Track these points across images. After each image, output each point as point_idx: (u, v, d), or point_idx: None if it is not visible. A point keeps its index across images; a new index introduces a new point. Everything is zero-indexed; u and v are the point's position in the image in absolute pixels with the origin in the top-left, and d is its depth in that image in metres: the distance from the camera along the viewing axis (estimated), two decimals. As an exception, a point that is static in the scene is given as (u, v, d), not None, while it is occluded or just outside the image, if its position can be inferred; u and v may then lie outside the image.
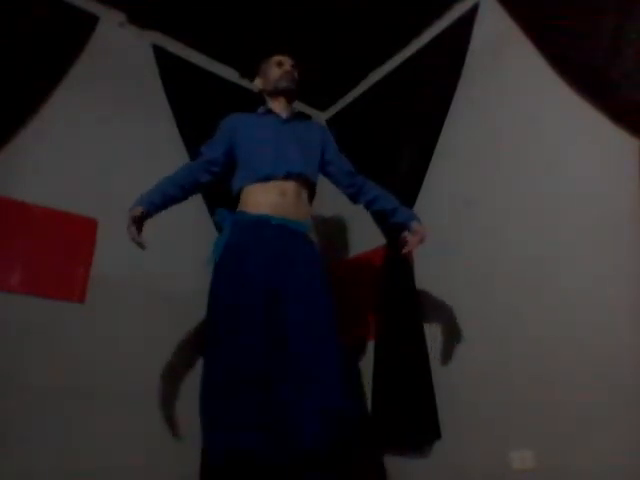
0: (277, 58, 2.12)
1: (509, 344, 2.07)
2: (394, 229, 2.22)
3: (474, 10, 2.58)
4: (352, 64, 3.10)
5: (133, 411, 2.16)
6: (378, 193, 2.08)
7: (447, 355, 2.28)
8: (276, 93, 2.09)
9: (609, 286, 1.83)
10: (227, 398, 1.56)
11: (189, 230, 2.63)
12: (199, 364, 2.36)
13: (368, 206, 2.10)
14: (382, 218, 2.12)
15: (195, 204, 2.66)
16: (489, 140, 2.39)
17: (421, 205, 2.57)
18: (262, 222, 1.83)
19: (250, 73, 3.06)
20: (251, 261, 1.76)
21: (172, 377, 2.32)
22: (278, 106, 2.10)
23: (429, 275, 2.46)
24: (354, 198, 2.13)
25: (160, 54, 2.81)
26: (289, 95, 2.11)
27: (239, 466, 1.51)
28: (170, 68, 2.82)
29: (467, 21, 2.59)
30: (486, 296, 2.20)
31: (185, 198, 1.99)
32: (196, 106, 2.82)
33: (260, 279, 1.73)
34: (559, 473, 1.80)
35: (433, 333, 2.36)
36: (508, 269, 2.15)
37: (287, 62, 2.11)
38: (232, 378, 1.58)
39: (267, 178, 1.91)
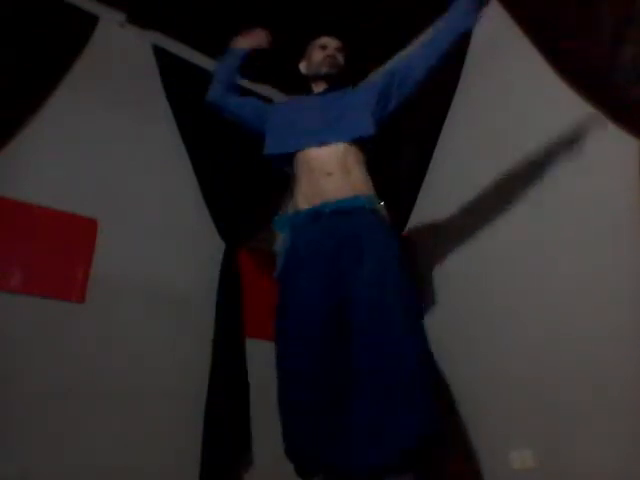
0: (322, 40, 1.96)
1: (509, 344, 2.07)
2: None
3: (474, 10, 2.57)
4: (352, 64, 3.09)
5: (133, 411, 2.16)
6: (419, 53, 1.82)
7: (447, 355, 2.27)
8: (317, 78, 1.95)
9: (609, 286, 1.83)
10: (303, 414, 1.51)
11: (189, 230, 2.64)
12: (199, 364, 2.37)
13: (436, 58, 1.77)
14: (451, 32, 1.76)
15: (195, 204, 2.68)
16: (489, 140, 2.39)
17: (421, 205, 2.57)
18: (315, 216, 1.65)
19: (250, 73, 3.08)
20: (305, 276, 1.60)
21: (172, 377, 2.32)
22: (319, 89, 1.96)
23: (429, 275, 2.46)
24: (419, 76, 1.81)
25: (160, 54, 2.81)
26: (331, 80, 1.93)
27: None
28: (170, 68, 2.82)
29: (467, 21, 2.58)
30: (486, 296, 2.20)
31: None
32: (196, 106, 2.81)
33: (317, 297, 1.57)
34: (559, 473, 1.79)
35: (434, 333, 2.35)
36: (508, 269, 2.15)
37: (331, 45, 1.95)
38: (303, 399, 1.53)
39: (301, 148, 1.76)
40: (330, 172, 1.69)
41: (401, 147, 2.71)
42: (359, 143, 1.77)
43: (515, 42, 2.32)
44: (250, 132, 1.99)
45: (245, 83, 3.09)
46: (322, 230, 1.63)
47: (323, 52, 1.94)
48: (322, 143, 1.74)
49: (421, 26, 2.82)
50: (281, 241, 1.77)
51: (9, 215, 2.12)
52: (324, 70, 1.92)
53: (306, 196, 1.71)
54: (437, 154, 2.57)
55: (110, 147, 2.50)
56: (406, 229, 2.59)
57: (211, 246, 2.63)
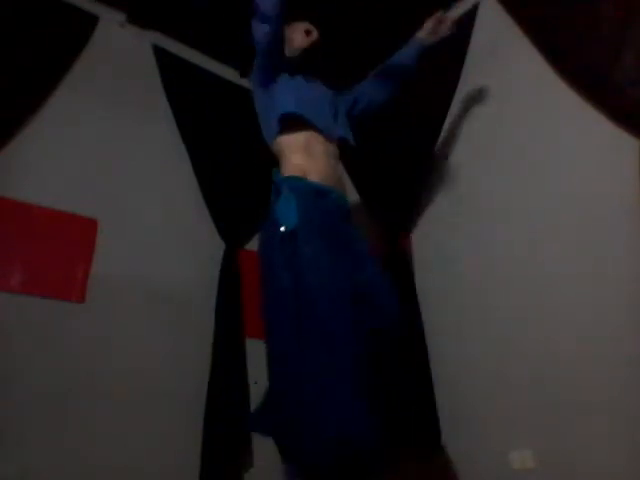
0: (306, 25, 2.00)
1: (509, 344, 2.07)
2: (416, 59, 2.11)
3: (474, 10, 2.58)
4: (351, 64, 3.10)
5: (133, 411, 2.16)
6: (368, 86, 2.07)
7: (447, 355, 2.28)
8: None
9: (609, 285, 1.83)
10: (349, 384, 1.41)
11: (189, 230, 2.64)
12: (199, 364, 2.36)
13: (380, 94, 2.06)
14: (397, 74, 2.08)
15: (195, 204, 2.68)
16: (489, 140, 2.39)
17: (421, 205, 2.57)
18: (323, 192, 1.71)
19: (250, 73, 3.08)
20: (326, 230, 1.61)
21: (172, 377, 2.32)
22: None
23: (429, 275, 2.46)
24: (367, 107, 2.09)
25: (160, 54, 2.81)
26: (315, 67, 2.01)
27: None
28: (170, 68, 2.82)
29: (467, 21, 2.59)
30: (486, 296, 2.20)
31: None
32: (196, 106, 2.82)
33: (337, 245, 1.61)
34: (559, 473, 1.80)
35: (433, 333, 2.36)
36: (508, 269, 2.15)
37: (315, 32, 1.99)
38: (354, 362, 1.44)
39: (330, 136, 1.85)
40: (331, 162, 1.82)
41: (401, 147, 2.71)
42: (343, 148, 1.93)
43: (515, 42, 2.32)
44: (265, 62, 1.87)
45: (244, 82, 3.10)
46: (329, 209, 1.69)
47: (308, 38, 1.98)
48: (332, 135, 1.86)
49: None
50: (279, 196, 1.68)
51: (9, 215, 2.12)
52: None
53: (308, 170, 1.74)
54: (437, 154, 2.57)
55: (110, 147, 2.50)
56: (405, 229, 2.59)
57: (211, 246, 2.63)
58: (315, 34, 2.00)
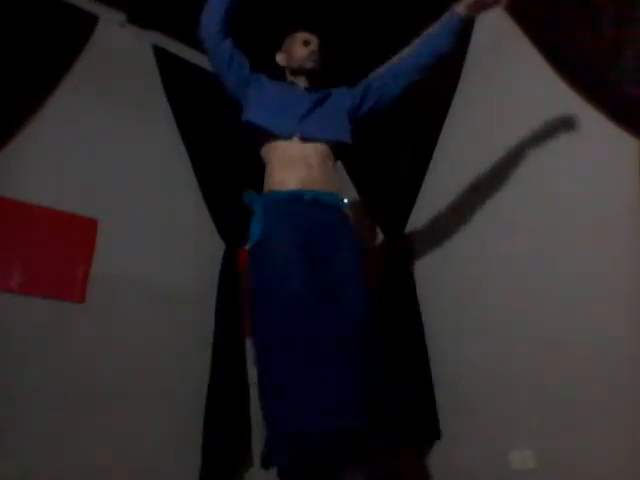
0: (304, 35, 2.01)
1: (509, 344, 2.07)
2: (454, 32, 1.85)
3: (474, 10, 2.57)
4: (351, 65, 3.09)
5: (133, 411, 2.16)
6: (403, 65, 1.93)
7: (447, 355, 2.28)
8: (300, 72, 1.99)
9: (609, 285, 1.83)
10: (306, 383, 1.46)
11: (189, 230, 2.64)
12: (199, 364, 2.37)
13: (417, 69, 1.90)
14: (431, 53, 1.89)
15: (195, 204, 2.68)
16: (489, 140, 2.39)
17: (421, 205, 2.57)
18: (294, 197, 1.72)
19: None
20: (289, 238, 1.65)
21: (172, 377, 2.32)
22: (300, 83, 2.01)
23: (429, 275, 2.46)
24: (396, 86, 1.93)
25: (160, 54, 2.81)
26: (313, 76, 2.01)
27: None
28: (170, 68, 2.82)
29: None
30: (486, 296, 2.20)
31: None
32: (196, 106, 2.82)
33: (299, 251, 1.63)
34: (559, 473, 1.80)
35: (433, 333, 2.36)
36: (508, 269, 2.15)
37: (314, 42, 2.00)
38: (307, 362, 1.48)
39: (288, 134, 1.81)
40: (311, 165, 1.78)
41: (401, 147, 2.71)
42: (336, 147, 1.88)
43: (515, 42, 2.32)
44: (223, 83, 1.95)
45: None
46: (300, 213, 1.70)
47: (306, 48, 1.98)
48: (308, 137, 1.82)
49: (421, 26, 2.82)
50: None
51: (9, 215, 2.12)
52: (309, 65, 1.97)
53: (285, 180, 1.76)
54: (437, 154, 2.57)
55: (110, 147, 2.50)
56: (405, 229, 2.59)
57: (211, 246, 2.63)
58: (314, 44, 1.99)
